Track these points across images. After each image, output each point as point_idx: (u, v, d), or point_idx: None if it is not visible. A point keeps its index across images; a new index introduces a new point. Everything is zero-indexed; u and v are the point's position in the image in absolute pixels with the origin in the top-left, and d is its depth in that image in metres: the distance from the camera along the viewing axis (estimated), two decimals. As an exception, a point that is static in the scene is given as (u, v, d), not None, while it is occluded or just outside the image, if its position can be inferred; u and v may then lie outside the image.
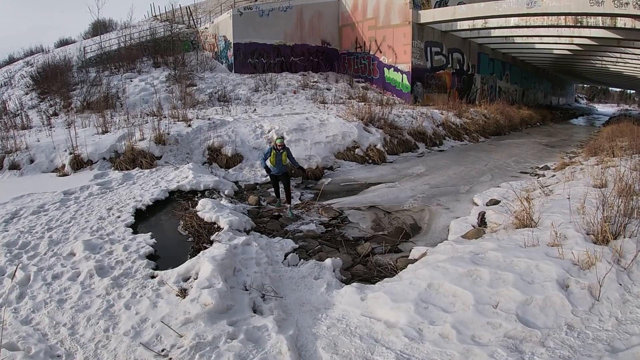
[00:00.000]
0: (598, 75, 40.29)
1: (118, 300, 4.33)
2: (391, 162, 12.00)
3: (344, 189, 9.44)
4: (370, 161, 11.91)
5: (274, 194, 8.56)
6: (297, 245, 6.21)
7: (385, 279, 4.85)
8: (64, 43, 31.50)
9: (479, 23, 20.31)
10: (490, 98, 25.66)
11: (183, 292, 4.42)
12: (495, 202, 7.40)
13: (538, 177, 9.72)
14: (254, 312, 4.21)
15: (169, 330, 3.72)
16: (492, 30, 21.88)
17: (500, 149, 14.43)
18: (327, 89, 20.91)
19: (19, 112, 15.73)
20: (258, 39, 22.06)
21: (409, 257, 5.67)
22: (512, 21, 19.24)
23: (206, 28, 25.05)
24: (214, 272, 4.56)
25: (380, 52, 22.15)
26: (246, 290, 4.62)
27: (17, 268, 4.58)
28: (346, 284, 4.79)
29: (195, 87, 18.85)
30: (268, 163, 7.87)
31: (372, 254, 5.95)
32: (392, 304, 3.97)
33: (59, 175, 9.57)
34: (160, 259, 5.58)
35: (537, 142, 16.73)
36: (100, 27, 28.88)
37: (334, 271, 5.22)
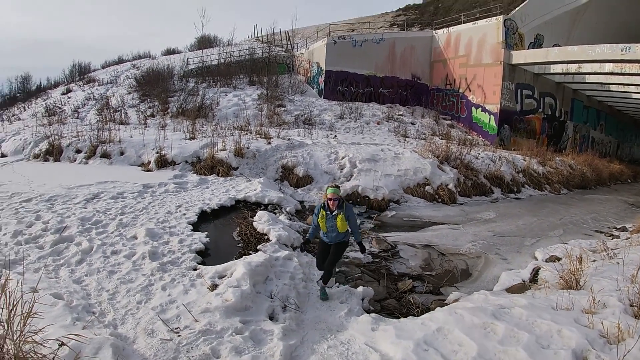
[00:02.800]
0: None
1: (158, 282, 4.93)
2: (461, 204, 11.61)
3: (405, 224, 9.35)
4: (440, 200, 11.61)
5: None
6: (337, 269, 6.33)
7: (410, 317, 4.83)
8: (170, 52, 34.86)
9: (573, 67, 19.15)
10: (581, 148, 23.79)
11: (213, 287, 4.84)
12: (555, 259, 6.93)
13: (612, 238, 8.88)
14: (270, 318, 4.49)
15: (188, 314, 4.17)
16: (586, 75, 20.51)
17: (580, 204, 13.32)
18: (412, 123, 20.87)
19: (119, 108, 17.98)
20: (349, 68, 22.74)
21: (445, 301, 5.55)
22: (607, 67, 17.90)
23: (302, 53, 26.49)
24: (245, 276, 4.95)
25: (470, 90, 21.72)
26: (271, 298, 4.92)
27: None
28: (368, 313, 4.86)
29: (283, 108, 19.86)
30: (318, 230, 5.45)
31: (410, 291, 5.91)
32: (394, 339, 3.99)
33: (144, 170, 10.73)
34: (209, 256, 6.09)
35: (623, 200, 15.08)
36: (204, 42, 31.74)
37: (362, 300, 5.30)
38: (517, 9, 20.81)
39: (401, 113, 22.14)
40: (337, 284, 5.81)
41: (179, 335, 3.84)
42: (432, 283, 6.26)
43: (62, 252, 5.44)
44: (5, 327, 2.61)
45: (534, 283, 5.99)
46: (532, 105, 21.47)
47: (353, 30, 28.17)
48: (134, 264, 5.29)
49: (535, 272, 6.34)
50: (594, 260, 6.32)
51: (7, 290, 2.70)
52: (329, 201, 5.12)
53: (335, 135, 16.14)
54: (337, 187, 5.27)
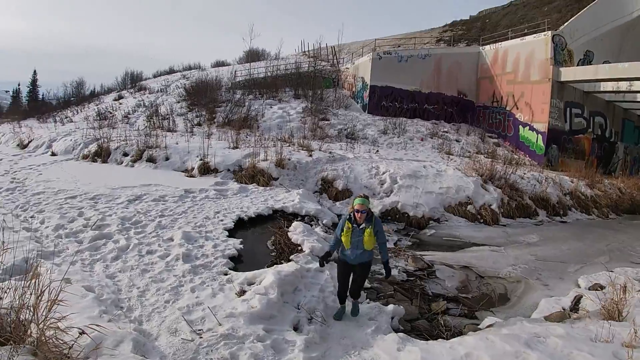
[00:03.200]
0: None
1: (188, 283, 5.03)
2: (504, 226, 11.14)
3: (444, 243, 9.09)
4: (482, 220, 11.19)
5: None
6: (369, 285, 6.20)
7: (439, 340, 4.66)
8: (219, 64, 36.34)
9: (624, 85, 18.11)
10: (632, 171, 22.27)
11: (241, 293, 4.87)
12: (599, 288, 6.49)
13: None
14: (295, 329, 4.45)
15: (213, 317, 4.22)
16: (637, 94, 19.26)
17: (629, 230, 12.39)
18: (457, 141, 20.39)
19: (168, 116, 18.78)
20: (394, 84, 22.58)
21: (479, 326, 5.32)
22: (659, 86, 16.74)
23: (347, 68, 26.62)
24: (273, 284, 4.94)
25: (517, 108, 20.95)
26: (297, 308, 4.88)
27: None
28: (396, 332, 4.72)
29: (327, 122, 19.97)
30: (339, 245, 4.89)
31: (444, 313, 5.71)
32: (419, 362, 3.84)
33: (187, 176, 11.07)
34: (241, 263, 6.15)
35: (674, 226, 13.99)
36: (252, 55, 32.64)
37: (392, 318, 5.15)
38: (566, 24, 20.09)
39: (446, 130, 21.68)
40: (368, 300, 5.68)
41: (201, 337, 3.88)
42: (468, 306, 6.01)
43: (100, 248, 5.71)
44: (32, 312, 2.72)
45: (575, 312, 5.65)
46: (581, 125, 20.45)
47: (399, 46, 28.05)
48: (167, 265, 5.44)
49: (577, 301, 5.98)
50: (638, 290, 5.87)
51: (37, 278, 2.83)
52: (356, 213, 4.53)
53: (378, 150, 16.02)
54: (367, 197, 4.72)
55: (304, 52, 35.78)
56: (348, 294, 4.98)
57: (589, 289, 6.54)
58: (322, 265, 5.15)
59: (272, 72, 26.49)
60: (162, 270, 5.26)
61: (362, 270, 4.82)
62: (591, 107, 20.73)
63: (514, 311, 6.00)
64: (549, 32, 19.33)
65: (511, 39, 21.72)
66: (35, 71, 48.17)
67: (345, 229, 4.60)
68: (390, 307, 5.31)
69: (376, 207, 10.56)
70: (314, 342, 4.18)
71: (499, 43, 22.32)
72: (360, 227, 4.55)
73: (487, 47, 23.09)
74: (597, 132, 21.26)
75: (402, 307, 5.45)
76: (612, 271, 7.32)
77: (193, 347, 3.70)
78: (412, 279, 6.84)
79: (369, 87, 22.57)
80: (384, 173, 11.93)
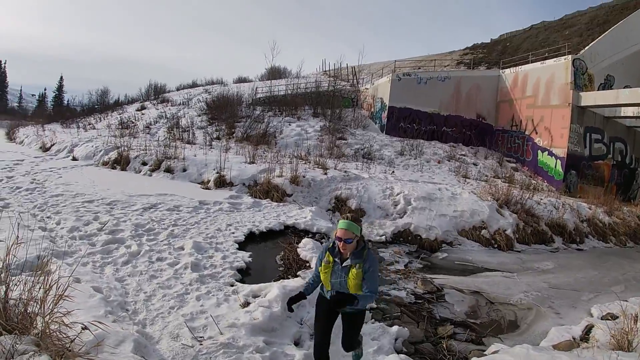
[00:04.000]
0: None
1: (194, 292, 5.12)
2: (518, 252, 10.96)
3: (456, 267, 8.97)
4: (496, 246, 11.02)
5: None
6: (375, 305, 6.15)
7: None
8: (241, 80, 37.16)
9: None
10: None
11: (245, 304, 4.93)
12: (612, 317, 6.34)
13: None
14: (296, 344, 4.48)
15: (215, 326, 4.29)
16: None
17: None
18: (474, 164, 20.25)
19: (188, 129, 19.29)
20: (413, 105, 22.66)
21: (485, 352, 5.22)
22: (681, 111, 16.36)
23: (366, 88, 26.90)
24: (277, 298, 4.98)
25: (536, 133, 20.74)
26: (300, 324, 4.91)
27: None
28: (398, 354, 4.68)
29: (344, 141, 20.12)
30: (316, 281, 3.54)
31: (450, 337, 5.62)
32: (414, 387, 3.81)
33: (202, 188, 11.26)
34: (248, 275, 6.21)
35: (694, 256, 13.51)
36: (273, 73, 33.29)
37: (395, 340, 5.11)
38: (586, 48, 19.97)
39: (464, 153, 21.59)
40: (373, 320, 5.64)
41: (201, 344, 3.94)
42: (475, 332, 5.92)
43: (112, 252, 5.90)
44: (39, 305, 2.84)
45: (585, 341, 5.52)
46: (601, 151, 20.10)
47: (419, 68, 28.25)
48: (175, 272, 5.56)
49: (588, 330, 5.85)
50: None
51: (47, 274, 2.96)
52: (338, 242, 3.09)
53: (393, 171, 16.00)
54: (355, 219, 3.16)
55: (325, 71, 36.34)
56: (342, 347, 3.70)
57: (602, 319, 6.39)
58: (290, 310, 3.54)
59: (292, 90, 26.99)
60: (170, 278, 5.38)
61: (354, 318, 3.47)
62: (611, 133, 20.43)
63: (523, 339, 5.88)
64: (570, 56, 19.24)
65: (532, 62, 21.67)
66: (62, 77, 50.14)
67: (324, 263, 3.23)
68: (395, 328, 5.26)
69: (388, 228, 10.52)
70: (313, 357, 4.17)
71: (519, 67, 22.30)
72: (344, 264, 3.15)
73: (507, 70, 23.09)
74: (617, 158, 20.86)
75: (406, 329, 5.40)
76: (626, 300, 7.15)
77: (192, 353, 3.76)
78: (420, 301, 6.75)
79: (387, 107, 22.71)
80: (398, 194, 11.88)
